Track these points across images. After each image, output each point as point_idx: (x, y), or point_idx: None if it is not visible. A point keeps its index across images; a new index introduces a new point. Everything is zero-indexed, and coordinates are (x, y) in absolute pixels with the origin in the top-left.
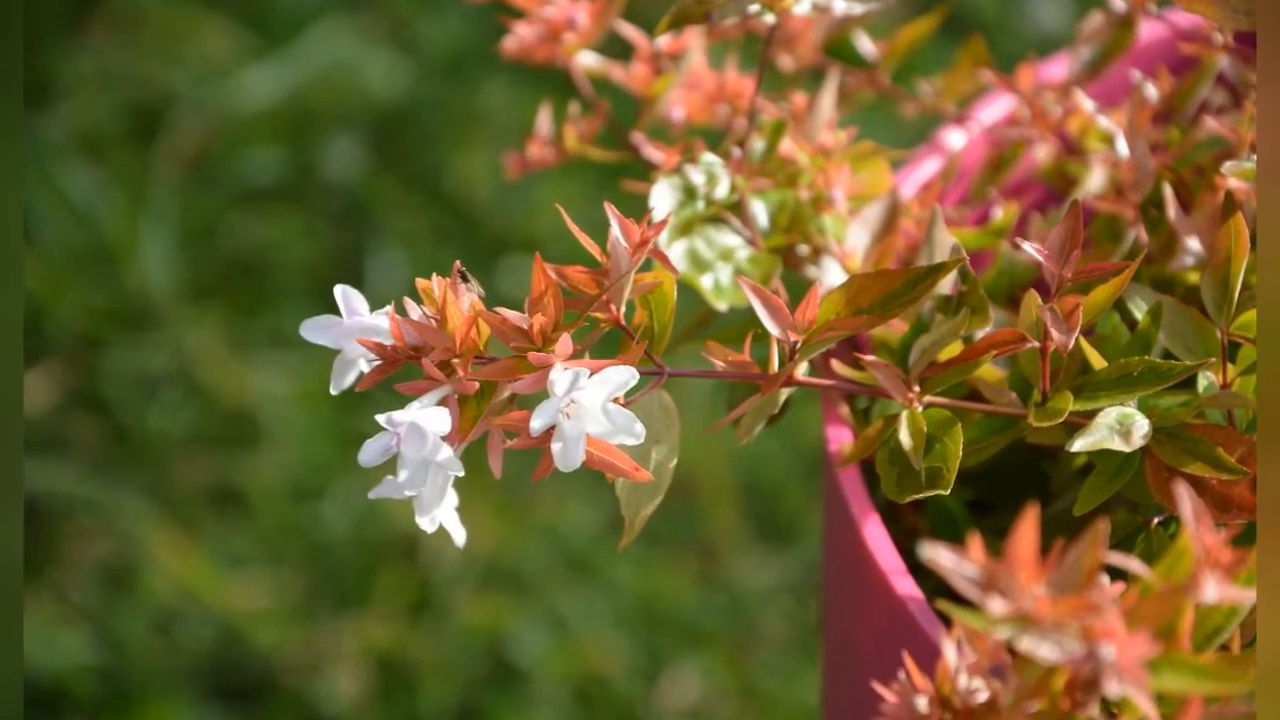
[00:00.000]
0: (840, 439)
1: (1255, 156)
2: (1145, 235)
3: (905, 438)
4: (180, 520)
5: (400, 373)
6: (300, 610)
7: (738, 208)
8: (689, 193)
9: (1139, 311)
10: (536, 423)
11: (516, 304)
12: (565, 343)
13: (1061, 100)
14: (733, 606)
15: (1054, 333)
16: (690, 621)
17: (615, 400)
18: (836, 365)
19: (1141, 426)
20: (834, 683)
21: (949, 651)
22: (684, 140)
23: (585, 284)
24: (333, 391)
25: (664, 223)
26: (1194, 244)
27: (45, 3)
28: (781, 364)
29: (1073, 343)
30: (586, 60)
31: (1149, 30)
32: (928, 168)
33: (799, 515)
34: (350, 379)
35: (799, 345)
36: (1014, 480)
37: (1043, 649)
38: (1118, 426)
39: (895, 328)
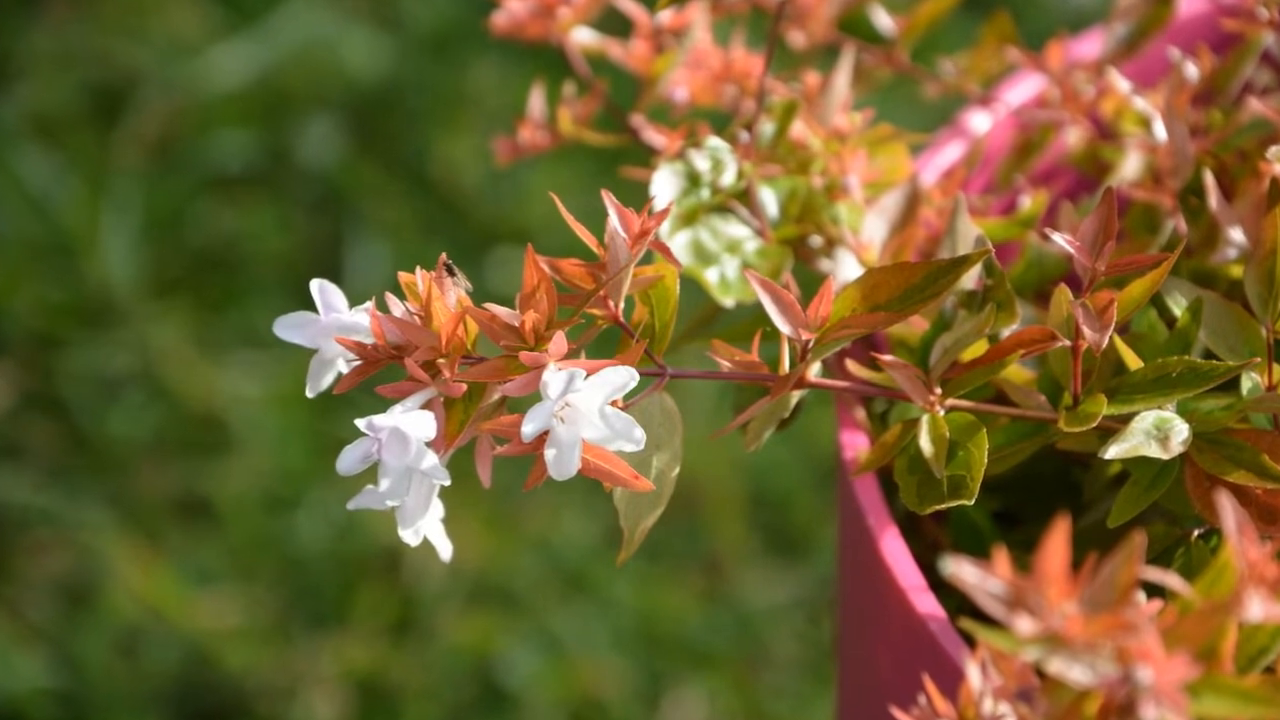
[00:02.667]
0: (856, 445)
1: None
2: (1184, 225)
3: (926, 444)
4: (144, 532)
5: (381, 374)
6: (274, 629)
7: (745, 196)
8: (693, 180)
9: (1178, 308)
10: (529, 427)
11: (507, 300)
12: (560, 341)
13: (1094, 80)
14: (740, 625)
15: (1086, 331)
16: (694, 641)
17: (613, 403)
18: (852, 366)
19: (1180, 432)
20: (849, 707)
21: (973, 674)
22: (687, 123)
23: (581, 278)
24: (309, 394)
25: (666, 212)
26: (1237, 235)
27: None
28: (792, 364)
29: (1106, 341)
30: (582, 37)
31: (1188, 5)
32: (950, 153)
33: (811, 527)
34: (328, 380)
35: (811, 344)
36: (1043, 490)
37: (1074, 671)
38: (1155, 432)
39: (915, 325)
